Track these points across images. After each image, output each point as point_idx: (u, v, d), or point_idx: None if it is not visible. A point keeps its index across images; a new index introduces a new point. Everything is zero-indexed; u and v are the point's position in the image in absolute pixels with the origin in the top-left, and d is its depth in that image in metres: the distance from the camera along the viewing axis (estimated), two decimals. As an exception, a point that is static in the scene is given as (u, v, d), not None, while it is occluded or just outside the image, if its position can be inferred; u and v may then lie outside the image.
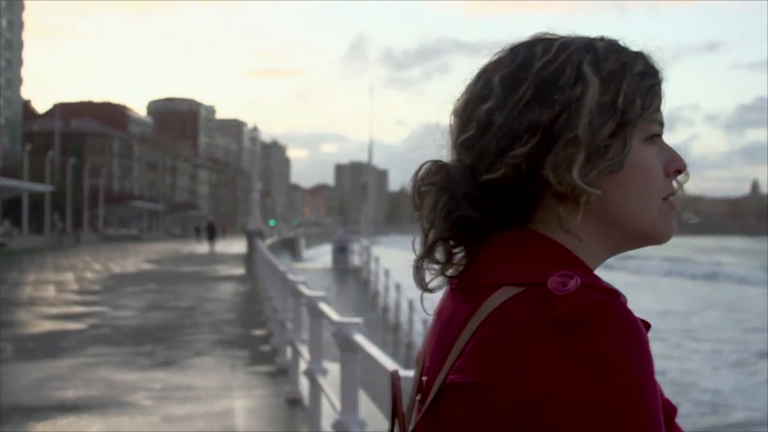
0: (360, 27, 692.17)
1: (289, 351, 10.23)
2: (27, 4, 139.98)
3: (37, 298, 20.11)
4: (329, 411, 6.99)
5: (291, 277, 9.14)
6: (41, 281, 25.91)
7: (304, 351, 7.95)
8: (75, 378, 9.70)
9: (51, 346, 12.34)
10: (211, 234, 56.85)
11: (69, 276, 28.17)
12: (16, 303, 19.15)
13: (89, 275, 28.78)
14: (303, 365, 8.60)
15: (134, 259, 40.29)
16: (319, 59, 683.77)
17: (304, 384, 8.51)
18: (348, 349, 4.97)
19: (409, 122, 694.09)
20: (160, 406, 8.20)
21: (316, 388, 6.73)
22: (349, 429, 4.91)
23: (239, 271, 30.54)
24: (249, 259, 29.53)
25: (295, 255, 55.50)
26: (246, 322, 15.18)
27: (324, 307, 6.51)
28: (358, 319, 5.10)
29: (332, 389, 6.24)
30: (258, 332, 13.62)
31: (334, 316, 5.65)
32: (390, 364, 4.14)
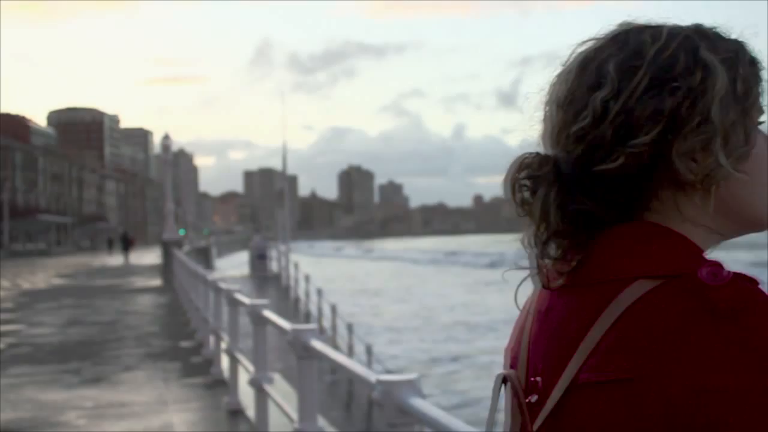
0: (264, 32, 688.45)
1: (224, 361, 10.08)
2: None
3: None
4: (276, 421, 6.89)
5: (226, 286, 8.97)
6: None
7: (244, 361, 7.82)
8: (2, 400, 9.33)
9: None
10: (126, 245, 56.00)
11: (-23, 294, 27.16)
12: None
13: (-1, 293, 27.80)
14: (244, 375, 8.48)
15: (44, 275, 39.12)
16: (223, 65, 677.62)
17: (244, 394, 8.39)
18: (306, 356, 4.90)
19: (317, 126, 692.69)
20: (95, 425, 7.94)
21: (263, 398, 6.61)
22: None
23: (156, 282, 29.95)
24: (166, 269, 28.96)
25: (209, 264, 54.79)
26: (172, 333, 14.87)
27: (269, 314, 6.40)
28: (312, 325, 5.03)
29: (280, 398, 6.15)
30: (186, 344, 13.35)
31: (285, 323, 5.56)
32: (355, 365, 4.06)
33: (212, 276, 11.08)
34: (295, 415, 5.22)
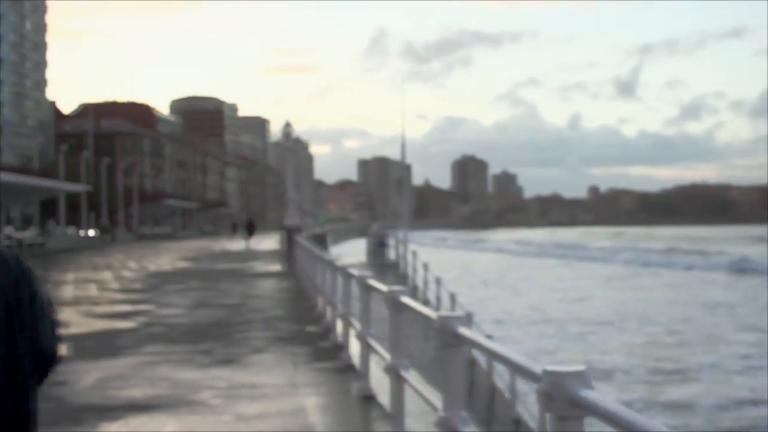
0: (380, 21, 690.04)
1: (354, 347, 10.08)
2: (49, 5, 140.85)
3: (82, 297, 20.11)
4: (412, 408, 6.83)
5: (358, 272, 8.96)
6: (81, 280, 25.96)
7: (378, 347, 7.78)
8: (137, 377, 9.59)
9: (107, 344, 12.26)
10: (251, 231, 57.91)
11: (107, 275, 28.23)
12: (62, 302, 19.14)
13: (127, 274, 28.82)
14: (376, 361, 8.46)
15: (168, 257, 40.37)
16: (339, 55, 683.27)
17: (375, 380, 8.37)
18: (452, 344, 4.80)
19: (431, 116, 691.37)
20: (230, 405, 8.05)
21: (399, 385, 6.55)
22: (456, 428, 4.72)
23: (277, 267, 30.49)
24: (288, 254, 29.44)
25: (325, 251, 55.58)
26: (298, 318, 15.04)
27: (408, 301, 6.33)
28: (459, 312, 4.93)
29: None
30: (313, 328, 13.47)
31: (428, 311, 5.46)
32: (514, 354, 3.88)
33: (340, 262, 11.11)
34: (438, 403, 5.13)
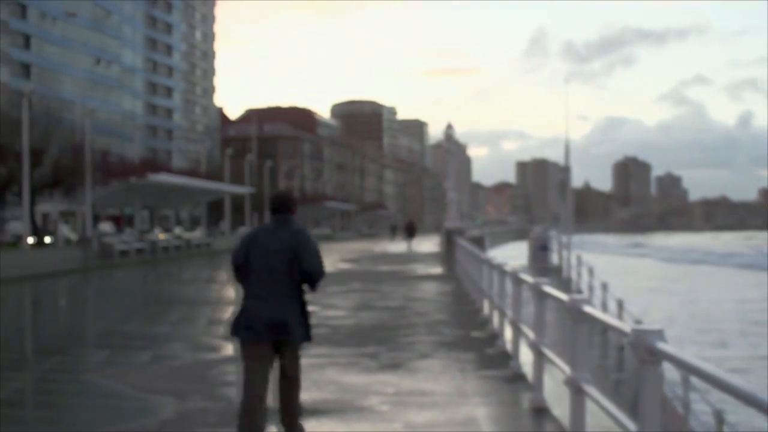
0: (539, 21, 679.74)
1: (525, 356, 9.72)
2: (217, 15, 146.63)
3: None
4: (591, 423, 6.43)
5: (532, 279, 8.59)
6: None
7: (554, 358, 7.41)
8: (305, 380, 9.45)
9: (274, 345, 12.38)
10: (411, 233, 58.54)
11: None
12: (231, 302, 19.64)
13: (292, 274, 29.36)
14: (549, 372, 8.08)
15: (330, 258, 40.99)
16: (498, 56, 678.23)
17: (548, 391, 8.00)
18: (648, 360, 4.41)
19: (591, 117, 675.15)
20: (398, 412, 7.87)
21: (580, 399, 6.16)
22: None
23: (437, 270, 30.34)
24: (448, 257, 29.25)
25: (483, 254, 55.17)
26: (462, 323, 14.78)
27: (592, 310, 5.94)
28: (657, 327, 4.52)
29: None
30: (478, 334, 13.18)
31: (622, 323, 5.07)
32: (731, 377, 3.50)
33: (509, 267, 10.76)
34: (629, 424, 4.75)
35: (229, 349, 12.17)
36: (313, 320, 15.45)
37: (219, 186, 63.36)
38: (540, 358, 7.97)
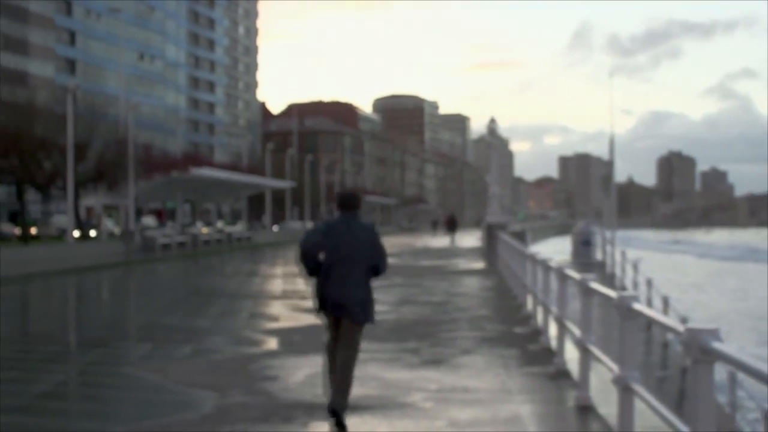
0: (583, 14, 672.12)
1: (569, 352, 9.55)
2: (260, 10, 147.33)
3: (290, 291, 20.55)
4: (642, 423, 6.26)
5: (577, 274, 8.41)
6: (289, 274, 26.63)
7: (600, 355, 7.23)
8: (347, 375, 9.47)
9: (314, 340, 12.29)
10: (453, 227, 58.50)
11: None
12: (272, 296, 19.65)
13: (333, 269, 29.35)
14: (595, 370, 7.91)
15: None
16: (541, 50, 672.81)
17: (594, 389, 7.83)
18: (702, 360, 4.24)
19: (636, 111, 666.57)
20: (441, 409, 7.75)
21: (628, 398, 6.00)
22: None
23: (479, 264, 30.14)
24: (489, 252, 29.03)
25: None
26: (504, 318, 14.62)
27: (642, 308, 5.77)
28: (713, 325, 4.35)
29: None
30: (521, 330, 13.01)
31: (676, 322, 4.90)
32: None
33: (554, 262, 10.57)
34: (680, 425, 4.58)
35: (272, 343, 12.15)
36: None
37: (260, 180, 63.62)
38: (586, 356, 7.80)
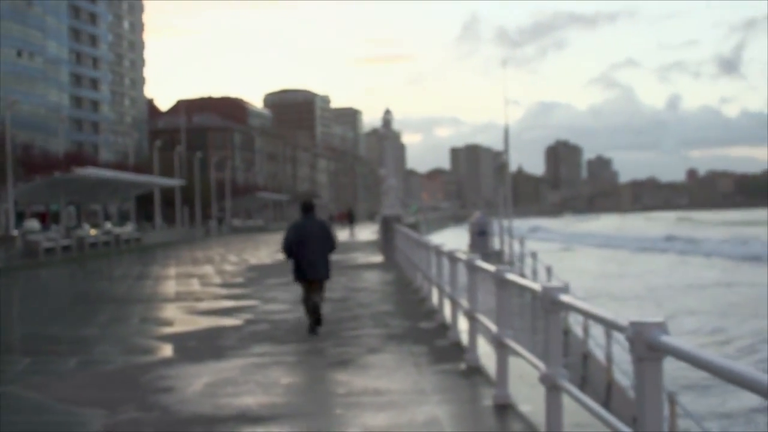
0: (472, 7, 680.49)
1: (482, 348, 9.18)
2: (146, 4, 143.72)
3: (184, 293, 19.67)
4: (569, 421, 5.88)
5: (493, 267, 7.99)
6: (183, 275, 25.67)
7: (522, 351, 6.82)
8: (249, 382, 8.84)
9: (212, 345, 11.60)
10: (351, 220, 58.53)
11: (209, 269, 27.93)
12: (165, 299, 18.74)
13: (228, 268, 28.49)
14: (513, 366, 7.52)
15: (268, 250, 40.12)
16: (431, 42, 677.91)
17: (514, 387, 7.45)
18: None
19: (523, 102, 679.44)
20: (354, 415, 7.21)
21: (555, 397, 5.58)
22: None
23: (377, 258, 29.76)
24: (387, 245, 28.66)
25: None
26: (409, 313, 14.18)
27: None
28: (658, 318, 3.97)
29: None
30: (427, 325, 12.60)
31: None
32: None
33: (467, 255, 10.16)
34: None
35: (166, 350, 11.37)
36: (252, 315, 14.80)
37: (148, 179, 61.69)
38: (503, 352, 7.39)
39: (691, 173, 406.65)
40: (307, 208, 12.44)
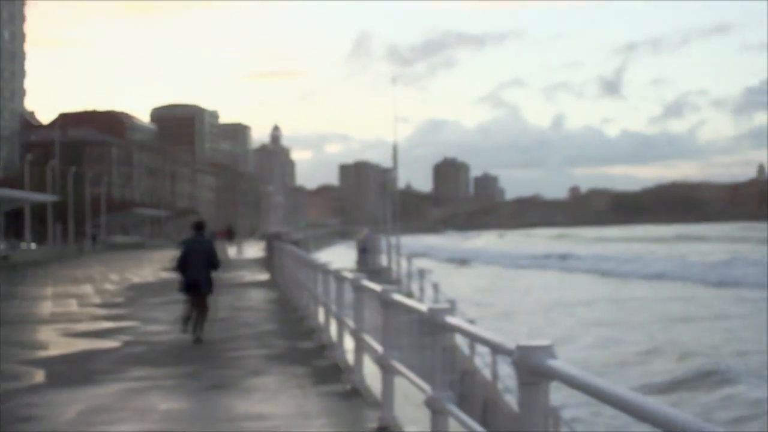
0: (363, 24, 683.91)
1: (368, 368, 9.05)
2: (28, 15, 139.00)
3: (60, 314, 18.85)
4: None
5: (379, 287, 7.85)
6: (60, 295, 24.67)
7: (408, 374, 6.70)
8: (126, 409, 8.45)
9: (86, 369, 11.09)
10: (230, 237, 56.95)
11: (88, 288, 26.95)
12: (38, 320, 17.93)
13: (109, 287, 27.56)
14: (399, 387, 7.40)
15: (150, 268, 39.09)
16: (322, 59, 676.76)
17: (400, 409, 7.33)
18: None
19: (413, 119, 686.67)
20: (234, 442, 6.96)
21: (442, 421, 5.48)
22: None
23: (264, 276, 29.35)
24: (272, 262, 28.29)
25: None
26: (293, 333, 13.97)
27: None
28: (545, 342, 3.91)
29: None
30: (310, 345, 12.40)
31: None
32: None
33: (354, 275, 10.01)
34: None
35: (37, 375, 10.78)
36: (131, 337, 14.24)
37: (16, 193, 59.04)
38: (388, 373, 7.27)
39: (574, 190, 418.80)
40: (198, 226, 13.93)
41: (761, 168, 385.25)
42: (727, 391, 19.39)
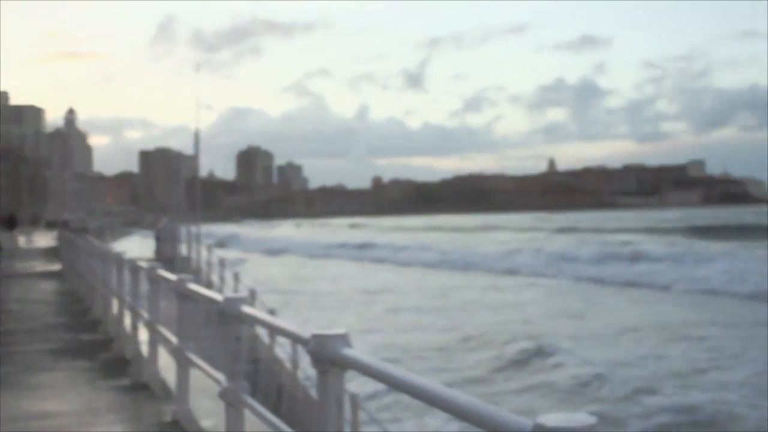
0: (168, 7, 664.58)
1: (163, 361, 8.75)
2: None
3: None
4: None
5: (174, 276, 7.57)
6: None
7: (204, 365, 6.51)
8: None
9: None
10: (11, 226, 52.55)
11: None
12: None
13: None
14: (194, 381, 7.18)
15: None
16: (125, 42, 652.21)
17: (195, 402, 7.12)
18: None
19: (217, 106, 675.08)
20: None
21: (237, 414, 5.33)
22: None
23: (56, 266, 27.96)
24: (66, 253, 26.98)
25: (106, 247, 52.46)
26: (84, 325, 13.39)
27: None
28: (341, 330, 3.86)
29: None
30: (102, 337, 11.92)
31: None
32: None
33: (150, 264, 9.61)
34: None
35: None
36: None
37: None
38: (183, 365, 7.03)
39: (377, 180, 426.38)
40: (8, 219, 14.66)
41: (551, 162, 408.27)
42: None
